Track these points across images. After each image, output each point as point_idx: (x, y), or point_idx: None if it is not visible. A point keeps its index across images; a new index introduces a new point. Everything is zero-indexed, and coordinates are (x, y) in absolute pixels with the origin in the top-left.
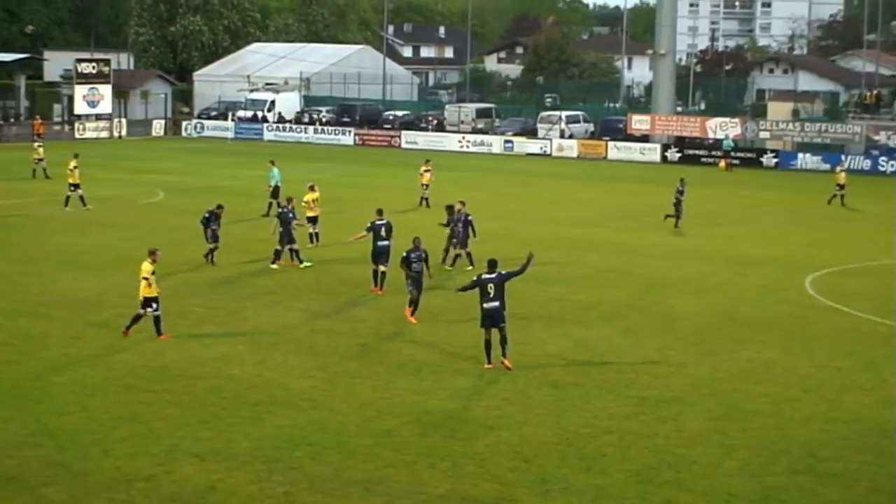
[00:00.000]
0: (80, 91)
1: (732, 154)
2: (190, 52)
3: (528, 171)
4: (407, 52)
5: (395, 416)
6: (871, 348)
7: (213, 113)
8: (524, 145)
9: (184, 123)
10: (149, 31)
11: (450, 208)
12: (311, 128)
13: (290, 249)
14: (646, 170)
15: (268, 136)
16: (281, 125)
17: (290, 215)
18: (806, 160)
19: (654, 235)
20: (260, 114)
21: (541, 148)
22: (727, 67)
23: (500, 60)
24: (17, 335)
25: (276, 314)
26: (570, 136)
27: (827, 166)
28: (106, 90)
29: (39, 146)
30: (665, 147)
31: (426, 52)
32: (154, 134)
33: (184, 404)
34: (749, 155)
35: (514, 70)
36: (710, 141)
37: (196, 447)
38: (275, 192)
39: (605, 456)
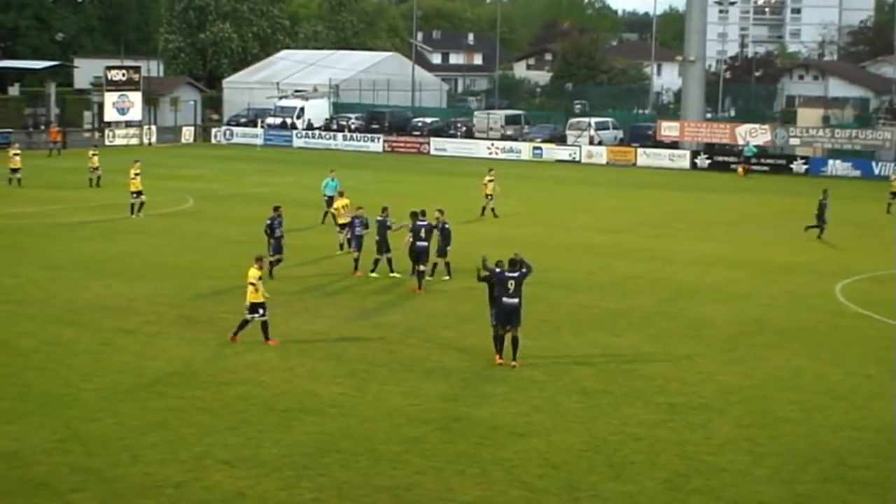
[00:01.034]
0: (110, 98)
1: (753, 161)
2: (219, 59)
3: (557, 177)
4: (436, 58)
5: (424, 422)
6: None
7: (243, 120)
8: (553, 152)
9: (213, 130)
10: (178, 38)
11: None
12: (340, 135)
13: (388, 259)
14: (675, 176)
15: (297, 143)
16: (310, 132)
17: (387, 224)
18: (836, 167)
19: (683, 242)
20: (289, 121)
21: (570, 154)
22: (757, 74)
23: (528, 67)
24: (47, 342)
25: (306, 321)
26: (600, 143)
27: (857, 173)
28: (136, 97)
29: (94, 155)
30: (694, 154)
31: (455, 58)
32: (184, 141)
33: (213, 411)
34: (779, 161)
35: (542, 77)
36: (740, 147)
37: (225, 454)
38: (330, 202)
39: (634, 463)
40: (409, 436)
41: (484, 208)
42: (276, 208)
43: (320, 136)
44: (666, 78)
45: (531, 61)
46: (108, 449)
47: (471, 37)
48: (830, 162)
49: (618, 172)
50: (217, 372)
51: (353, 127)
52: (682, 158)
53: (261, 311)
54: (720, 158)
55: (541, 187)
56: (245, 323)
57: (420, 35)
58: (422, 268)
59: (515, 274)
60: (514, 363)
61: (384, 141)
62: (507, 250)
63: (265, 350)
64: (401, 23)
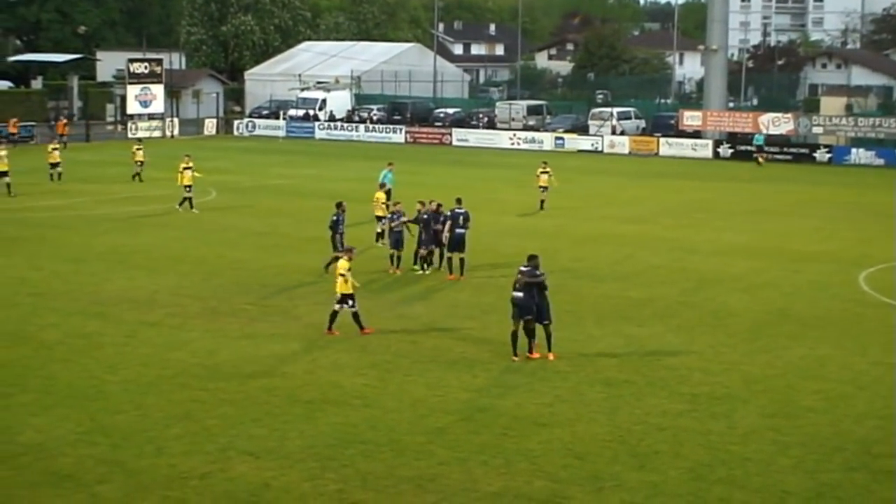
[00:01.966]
0: (132, 91)
1: (765, 149)
2: (241, 52)
3: (580, 167)
4: (457, 49)
5: (448, 413)
6: None
7: (265, 112)
8: (575, 142)
9: (235, 122)
10: (200, 30)
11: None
12: (362, 126)
13: (429, 253)
14: (698, 166)
15: (319, 134)
16: (332, 124)
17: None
18: (859, 155)
19: (706, 232)
20: (311, 112)
21: (592, 145)
22: (779, 62)
23: (550, 57)
24: (71, 334)
25: (329, 312)
26: (622, 133)
27: (881, 161)
28: (158, 90)
29: (139, 149)
30: (717, 143)
31: (477, 49)
32: (206, 133)
33: (237, 402)
34: (802, 150)
35: (564, 67)
36: (763, 137)
37: (250, 445)
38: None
39: (658, 453)
40: (432, 426)
41: (542, 202)
42: (339, 204)
43: (342, 128)
44: (688, 67)
45: (553, 51)
46: (133, 441)
47: (492, 27)
48: (854, 150)
49: (640, 162)
50: (241, 364)
51: (374, 118)
52: (704, 148)
53: (350, 302)
54: (743, 148)
55: (563, 178)
56: (335, 314)
57: (441, 26)
58: (460, 256)
59: (527, 269)
60: (530, 356)
61: (406, 132)
62: (531, 240)
63: (289, 341)
64: (422, 14)
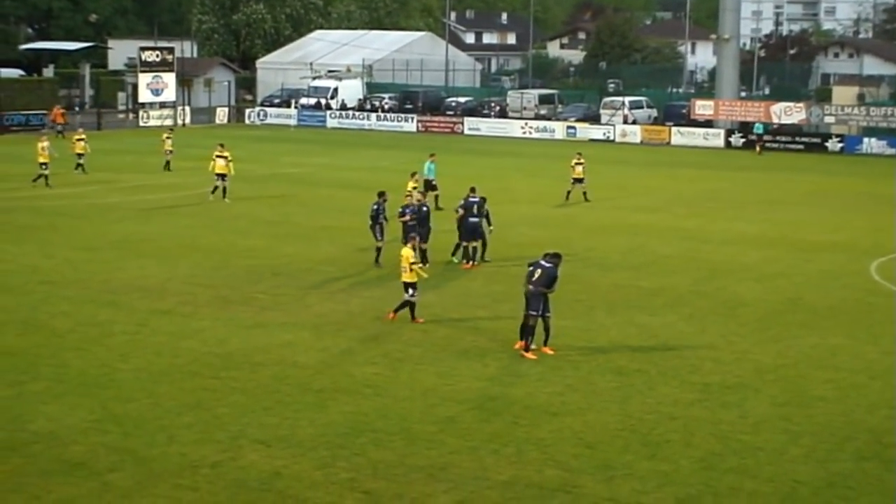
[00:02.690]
0: (143, 79)
1: (765, 137)
2: (253, 40)
3: (592, 157)
4: (469, 38)
5: (459, 402)
6: None
7: (276, 100)
8: (587, 131)
9: (247, 111)
10: (212, 19)
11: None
12: (373, 115)
13: (473, 247)
14: (709, 155)
15: (331, 123)
16: (344, 112)
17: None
18: (871, 145)
19: (718, 222)
20: (323, 101)
21: (604, 134)
22: (791, 52)
23: (562, 46)
24: (83, 322)
25: (341, 301)
26: (634, 122)
27: (893, 151)
28: (170, 78)
29: (168, 137)
30: (729, 132)
31: (488, 38)
32: (217, 122)
33: (248, 391)
34: (814, 140)
35: (576, 56)
36: (776, 126)
37: (261, 434)
38: (430, 187)
39: (669, 442)
40: (443, 415)
41: (568, 192)
42: (381, 193)
43: (354, 117)
44: (700, 56)
45: (565, 40)
46: (145, 429)
47: (504, 16)
48: (866, 140)
49: (652, 151)
50: (252, 352)
51: (386, 107)
52: (716, 137)
53: (411, 291)
54: (755, 137)
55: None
56: (407, 303)
57: (453, 15)
58: (473, 244)
59: (547, 265)
60: (545, 349)
61: (418, 121)
62: (542, 230)
63: (300, 330)
64: (434, 2)
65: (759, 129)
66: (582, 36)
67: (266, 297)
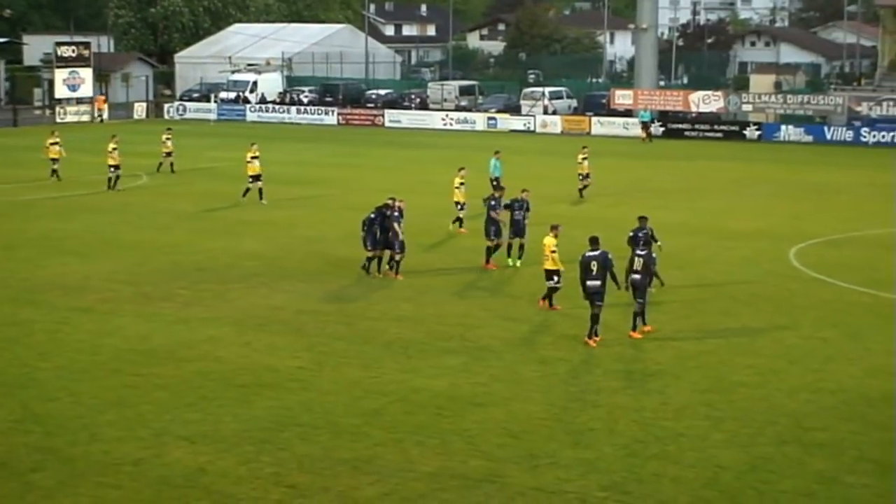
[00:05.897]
0: (60, 75)
1: (650, 125)
2: (171, 34)
3: (512, 147)
4: (389, 30)
5: (384, 395)
6: (855, 318)
7: (196, 95)
8: (508, 122)
9: (166, 106)
10: (128, 13)
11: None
12: (293, 108)
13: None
14: (630, 145)
15: (251, 116)
16: (264, 106)
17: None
18: (789, 132)
19: (640, 210)
20: (242, 95)
21: (524, 124)
22: (709, 41)
23: (482, 37)
24: (3, 321)
25: (263, 296)
26: (554, 112)
27: (810, 138)
28: (87, 73)
29: (168, 139)
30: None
31: (408, 30)
32: (136, 117)
33: (171, 387)
34: (732, 128)
35: (496, 47)
36: (694, 115)
37: (184, 430)
38: (497, 186)
39: (592, 430)
40: (368, 408)
41: (581, 189)
42: (393, 200)
43: (274, 110)
44: (619, 46)
45: (485, 31)
46: (67, 428)
47: (424, 8)
48: (783, 127)
49: (572, 141)
50: (174, 348)
51: (306, 100)
52: (636, 126)
53: (555, 278)
54: (674, 126)
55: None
56: (552, 290)
57: (373, 7)
58: (489, 243)
59: (596, 253)
60: (590, 342)
61: (338, 114)
62: (466, 222)
63: (222, 325)
64: None
65: (644, 116)
66: (502, 27)
67: (188, 293)
